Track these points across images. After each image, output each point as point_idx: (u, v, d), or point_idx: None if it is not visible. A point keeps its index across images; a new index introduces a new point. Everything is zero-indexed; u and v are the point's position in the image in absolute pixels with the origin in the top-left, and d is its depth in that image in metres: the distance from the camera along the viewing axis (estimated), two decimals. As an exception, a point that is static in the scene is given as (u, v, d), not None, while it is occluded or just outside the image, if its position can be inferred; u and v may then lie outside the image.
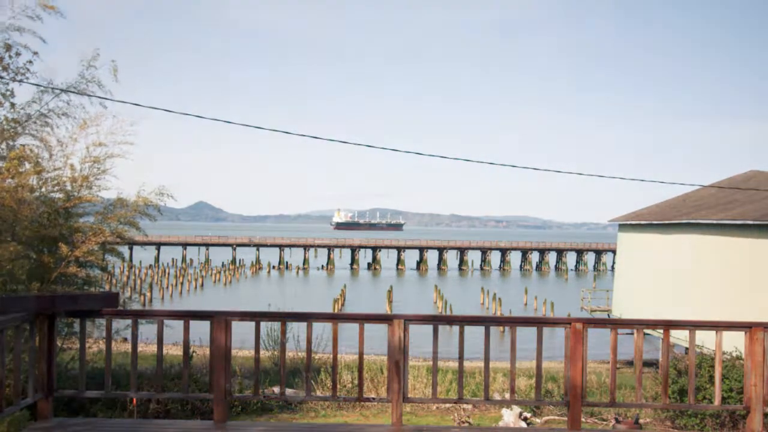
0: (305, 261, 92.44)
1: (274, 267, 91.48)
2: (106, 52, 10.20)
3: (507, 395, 13.38)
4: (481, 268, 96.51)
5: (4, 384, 4.81)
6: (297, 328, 12.43)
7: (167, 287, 59.78)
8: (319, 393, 13.27)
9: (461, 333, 5.60)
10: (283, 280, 75.58)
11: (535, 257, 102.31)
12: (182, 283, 63.27)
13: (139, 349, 5.75)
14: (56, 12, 9.30)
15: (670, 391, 11.20)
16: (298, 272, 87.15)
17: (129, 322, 6.11)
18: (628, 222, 29.14)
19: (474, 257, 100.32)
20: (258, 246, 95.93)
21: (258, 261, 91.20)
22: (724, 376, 10.67)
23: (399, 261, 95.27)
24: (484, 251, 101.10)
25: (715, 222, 22.49)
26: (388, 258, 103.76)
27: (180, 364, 10.79)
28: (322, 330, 12.96)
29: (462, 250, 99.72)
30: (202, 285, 66.52)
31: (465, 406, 12.86)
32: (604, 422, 12.39)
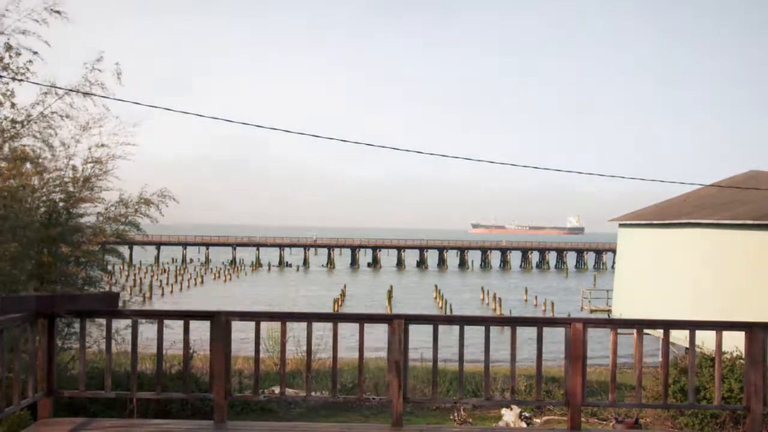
0: (305, 261, 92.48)
1: (274, 266, 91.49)
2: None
3: (507, 395, 13.38)
4: (482, 268, 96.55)
5: (4, 384, 4.81)
6: (297, 329, 12.43)
7: (167, 284, 59.98)
8: (319, 393, 13.27)
9: (461, 333, 5.60)
10: (283, 278, 75.54)
11: (535, 257, 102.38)
12: (182, 281, 63.51)
13: (139, 349, 5.75)
14: (62, 16, 9.30)
15: (671, 391, 11.20)
16: (298, 269, 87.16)
17: (129, 322, 6.10)
18: (629, 222, 29.11)
19: (474, 257, 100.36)
20: (258, 246, 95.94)
21: (258, 261, 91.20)
22: (724, 376, 10.68)
23: (399, 261, 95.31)
24: (484, 251, 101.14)
25: (715, 222, 22.47)
26: (388, 257, 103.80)
27: (180, 364, 10.79)
28: (322, 331, 12.97)
29: (462, 250, 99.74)
30: (202, 282, 66.70)
31: (465, 406, 12.86)
32: (604, 422, 12.40)
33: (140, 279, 62.86)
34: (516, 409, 11.89)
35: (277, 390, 12.69)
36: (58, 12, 9.26)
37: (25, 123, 9.40)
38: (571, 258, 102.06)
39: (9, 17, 8.92)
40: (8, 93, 9.20)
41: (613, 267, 50.03)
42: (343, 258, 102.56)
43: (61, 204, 10.08)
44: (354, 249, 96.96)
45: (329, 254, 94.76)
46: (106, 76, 10.03)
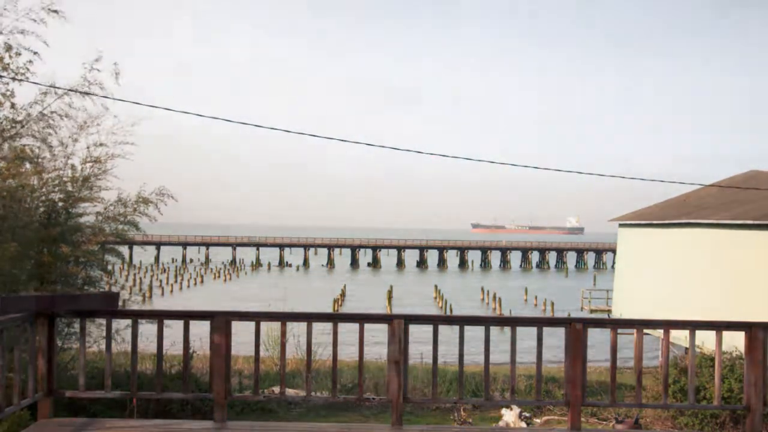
0: (305, 261, 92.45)
1: (274, 266, 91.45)
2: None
3: (507, 395, 13.38)
4: (482, 268, 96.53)
5: (4, 384, 4.80)
6: (297, 329, 12.43)
7: (167, 284, 60.02)
8: (319, 393, 13.26)
9: (461, 333, 5.60)
10: (283, 278, 75.50)
11: (535, 257, 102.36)
12: (182, 281, 63.55)
13: (139, 349, 5.75)
14: (59, 15, 9.31)
15: (671, 391, 11.20)
16: (298, 269, 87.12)
17: (129, 322, 6.10)
18: (629, 222, 29.12)
19: (474, 257, 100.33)
20: (258, 245, 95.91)
21: (258, 261, 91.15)
22: (724, 376, 10.67)
23: (399, 261, 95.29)
24: (484, 251, 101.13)
25: (715, 222, 22.48)
26: (388, 257, 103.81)
27: (180, 364, 10.79)
28: (321, 332, 12.97)
29: (462, 250, 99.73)
30: (202, 282, 66.75)
31: (465, 406, 12.86)
32: (605, 422, 12.40)
33: (140, 279, 62.89)
34: (516, 409, 11.88)
35: (277, 390, 12.69)
36: (55, 11, 9.28)
37: (24, 123, 9.40)
38: (571, 258, 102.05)
39: (7, 17, 8.94)
40: (8, 93, 9.20)
41: (613, 267, 50.01)
42: (343, 258, 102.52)
43: (60, 204, 10.07)
44: (354, 249, 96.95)
45: (329, 254, 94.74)
46: (104, 76, 10.05)
